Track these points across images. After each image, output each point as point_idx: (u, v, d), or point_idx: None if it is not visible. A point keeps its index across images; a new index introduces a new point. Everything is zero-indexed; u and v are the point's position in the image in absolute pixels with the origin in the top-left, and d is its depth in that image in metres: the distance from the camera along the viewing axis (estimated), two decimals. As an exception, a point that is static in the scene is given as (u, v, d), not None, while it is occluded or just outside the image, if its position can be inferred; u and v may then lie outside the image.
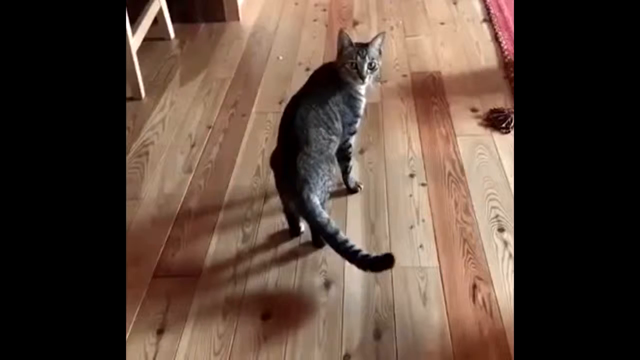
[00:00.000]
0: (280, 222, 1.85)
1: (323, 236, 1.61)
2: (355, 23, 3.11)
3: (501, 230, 1.78)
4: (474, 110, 2.34)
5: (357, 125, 1.81)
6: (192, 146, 2.24)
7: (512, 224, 1.79)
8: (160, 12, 2.94)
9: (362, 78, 1.68)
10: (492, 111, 2.30)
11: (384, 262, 1.52)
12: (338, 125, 1.70)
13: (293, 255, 1.74)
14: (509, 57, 2.65)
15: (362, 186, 1.96)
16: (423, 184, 1.98)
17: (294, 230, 1.80)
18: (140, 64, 2.54)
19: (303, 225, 1.77)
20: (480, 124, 2.25)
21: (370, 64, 1.67)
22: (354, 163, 1.95)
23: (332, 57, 2.93)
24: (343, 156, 1.85)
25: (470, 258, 1.70)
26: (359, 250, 1.54)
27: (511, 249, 1.71)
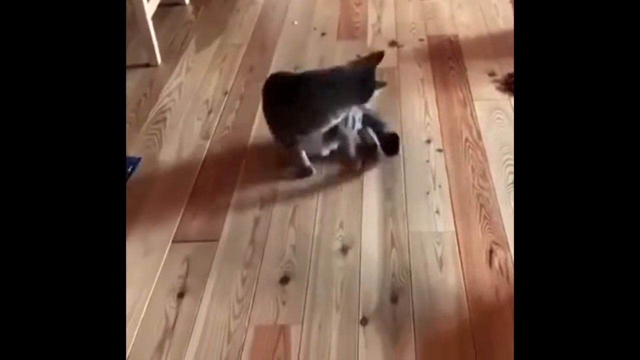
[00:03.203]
0: (297, 186, 1.86)
1: None
2: (371, -14, 3.07)
3: (518, 195, 1.77)
4: (491, 74, 2.31)
5: None
6: (209, 112, 2.24)
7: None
8: (175, -24, 2.92)
9: None
10: (511, 75, 2.27)
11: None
12: None
13: (311, 220, 1.76)
14: (528, 20, 2.61)
15: None
16: (440, 150, 1.98)
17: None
18: (155, 30, 2.53)
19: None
20: (498, 88, 2.23)
21: None
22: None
23: (347, 21, 2.85)
24: None
25: (487, 223, 1.70)
26: None
27: (528, 214, 1.71)
